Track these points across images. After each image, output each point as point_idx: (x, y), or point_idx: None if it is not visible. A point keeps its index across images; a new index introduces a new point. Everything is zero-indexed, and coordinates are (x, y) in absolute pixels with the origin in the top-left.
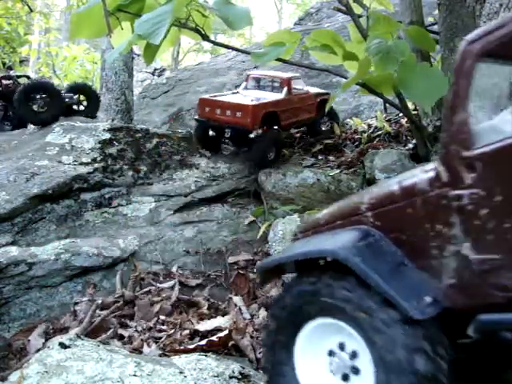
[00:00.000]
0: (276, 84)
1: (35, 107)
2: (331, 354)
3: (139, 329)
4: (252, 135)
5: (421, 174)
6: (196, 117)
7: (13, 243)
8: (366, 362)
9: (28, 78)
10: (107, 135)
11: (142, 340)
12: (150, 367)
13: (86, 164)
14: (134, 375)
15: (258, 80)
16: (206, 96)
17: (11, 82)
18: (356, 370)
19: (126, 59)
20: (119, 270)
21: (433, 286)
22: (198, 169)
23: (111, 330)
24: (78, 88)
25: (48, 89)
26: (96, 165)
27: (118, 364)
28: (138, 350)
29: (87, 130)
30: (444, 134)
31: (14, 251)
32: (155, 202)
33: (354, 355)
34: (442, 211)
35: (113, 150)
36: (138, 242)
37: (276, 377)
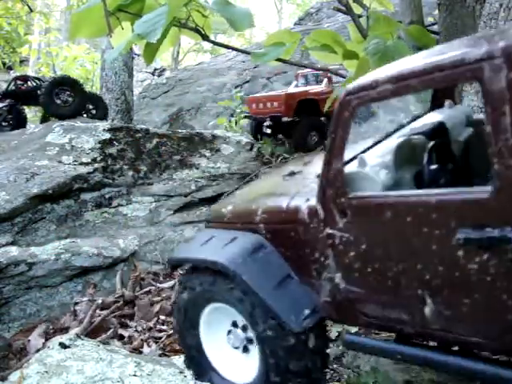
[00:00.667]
0: (321, 77)
1: (59, 101)
2: (229, 332)
3: (139, 329)
4: (285, 119)
5: (304, 203)
6: (246, 114)
7: (13, 243)
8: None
9: (39, 80)
10: (107, 135)
11: (142, 340)
12: (150, 367)
13: (86, 164)
14: (134, 375)
15: (305, 77)
16: (252, 95)
17: (24, 82)
18: (251, 340)
19: (126, 59)
20: (119, 270)
21: (313, 299)
22: (198, 169)
23: (111, 330)
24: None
25: (74, 85)
26: (96, 165)
27: (118, 364)
28: (137, 350)
29: (87, 130)
30: (322, 177)
31: (13, 251)
32: (155, 202)
33: (245, 328)
34: (319, 243)
35: (113, 150)
36: (138, 241)
37: (190, 356)
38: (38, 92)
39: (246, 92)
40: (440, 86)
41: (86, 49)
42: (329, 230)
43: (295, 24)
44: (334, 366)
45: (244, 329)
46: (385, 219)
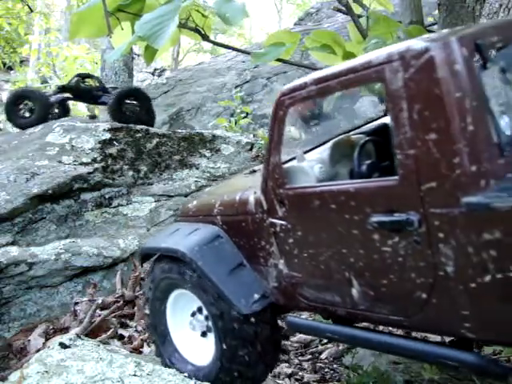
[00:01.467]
0: None
1: (128, 112)
2: (193, 314)
3: (139, 329)
4: None
5: (251, 195)
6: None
7: (13, 243)
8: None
9: (100, 82)
10: (107, 135)
11: (141, 340)
12: (150, 367)
13: (86, 164)
14: (134, 375)
15: None
16: None
17: (84, 80)
18: (210, 329)
19: (126, 59)
20: (119, 270)
21: (263, 285)
22: (198, 169)
23: (111, 330)
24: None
25: (141, 96)
26: (96, 165)
27: (118, 364)
28: (137, 350)
29: (87, 130)
30: (263, 170)
31: (14, 251)
32: (155, 201)
33: (207, 317)
34: (264, 231)
35: (113, 150)
36: (138, 241)
37: (158, 340)
38: (99, 93)
39: (246, 92)
40: (354, 86)
41: (86, 49)
42: (271, 219)
43: (295, 24)
44: (334, 366)
45: (207, 318)
46: (315, 208)
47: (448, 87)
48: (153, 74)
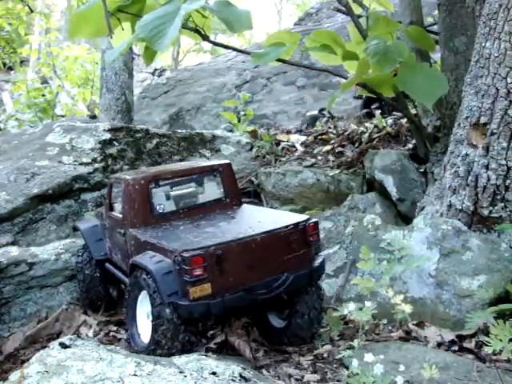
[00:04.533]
0: None
1: None
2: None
3: None
4: None
5: (102, 210)
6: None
7: (13, 243)
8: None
9: None
10: (107, 135)
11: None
12: (150, 367)
13: (87, 164)
14: (134, 375)
15: None
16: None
17: None
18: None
19: (126, 59)
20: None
21: (105, 247)
22: None
23: None
24: None
25: None
26: (96, 165)
27: (118, 364)
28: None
29: (87, 130)
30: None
31: (14, 251)
32: None
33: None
34: (104, 228)
35: (113, 150)
36: None
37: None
38: None
39: (246, 92)
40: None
41: (86, 49)
42: (104, 223)
43: (295, 24)
44: (334, 366)
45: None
46: (111, 221)
47: (132, 192)
48: (153, 74)
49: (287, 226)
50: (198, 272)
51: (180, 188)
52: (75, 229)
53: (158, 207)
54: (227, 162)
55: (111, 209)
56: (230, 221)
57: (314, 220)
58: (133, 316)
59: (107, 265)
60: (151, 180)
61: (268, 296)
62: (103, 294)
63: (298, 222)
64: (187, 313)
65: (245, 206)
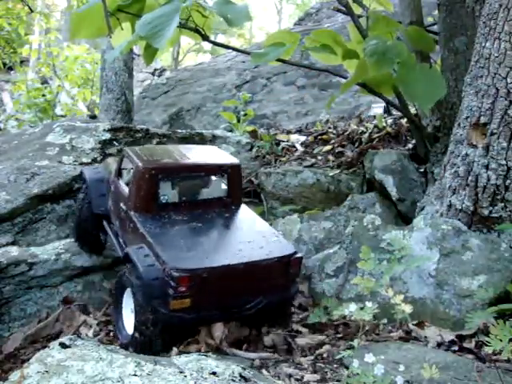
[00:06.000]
0: None
1: None
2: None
3: None
4: None
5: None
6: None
7: (13, 243)
8: None
9: None
10: (107, 135)
11: None
12: (150, 367)
13: (87, 164)
14: (134, 375)
15: None
16: None
17: None
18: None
19: (126, 59)
20: (119, 270)
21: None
22: None
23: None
24: None
25: None
26: (96, 165)
27: (118, 364)
28: None
29: (87, 130)
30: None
31: (14, 251)
32: None
33: None
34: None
35: (113, 150)
36: None
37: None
38: None
39: (246, 92)
40: None
41: (86, 49)
42: (112, 171)
43: (295, 24)
44: (334, 366)
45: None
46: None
47: (141, 179)
48: (153, 74)
49: (271, 259)
50: (182, 289)
51: (186, 181)
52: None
53: (162, 197)
54: (237, 163)
55: (119, 175)
56: (224, 232)
57: (299, 255)
58: (119, 310)
59: (104, 223)
60: (162, 172)
61: (239, 315)
62: (93, 236)
63: (283, 256)
64: (164, 320)
65: (242, 208)
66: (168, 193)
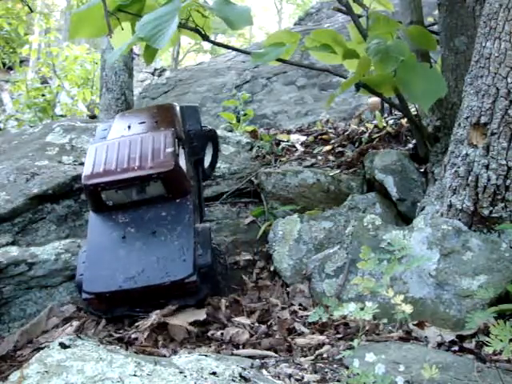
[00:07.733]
0: None
1: None
2: None
3: None
4: None
5: None
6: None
7: (13, 243)
8: None
9: None
10: None
11: None
12: (150, 367)
13: None
14: (134, 375)
15: None
16: None
17: None
18: None
19: (126, 59)
20: None
21: None
22: None
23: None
24: None
25: None
26: None
27: (118, 364)
28: None
29: (87, 130)
30: None
31: (14, 251)
32: None
33: None
34: None
35: None
36: None
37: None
38: None
39: (246, 92)
40: None
41: (86, 49)
42: None
43: (295, 24)
44: (334, 366)
45: None
46: None
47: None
48: (153, 74)
49: (164, 283)
50: (91, 303)
51: (127, 188)
52: None
53: (107, 202)
54: (170, 168)
55: None
56: (144, 245)
57: (192, 279)
58: None
59: None
60: (99, 185)
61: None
62: None
63: (176, 281)
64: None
65: (182, 206)
66: (112, 198)
